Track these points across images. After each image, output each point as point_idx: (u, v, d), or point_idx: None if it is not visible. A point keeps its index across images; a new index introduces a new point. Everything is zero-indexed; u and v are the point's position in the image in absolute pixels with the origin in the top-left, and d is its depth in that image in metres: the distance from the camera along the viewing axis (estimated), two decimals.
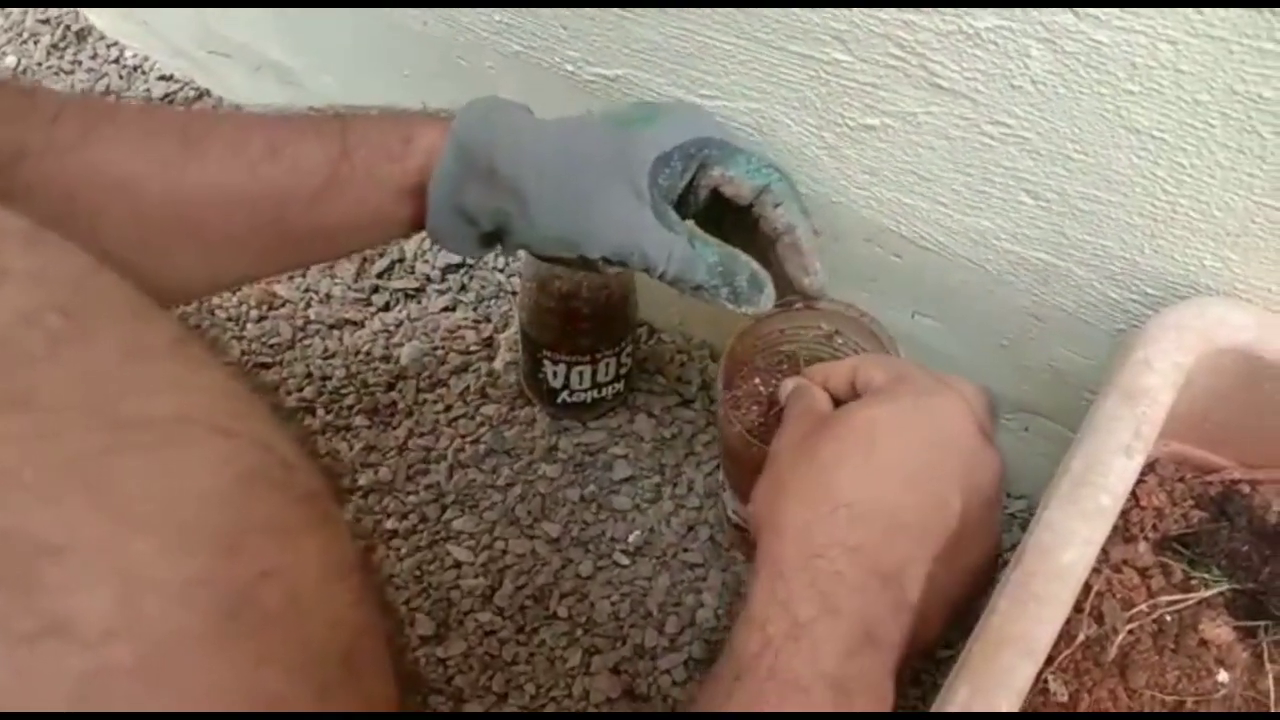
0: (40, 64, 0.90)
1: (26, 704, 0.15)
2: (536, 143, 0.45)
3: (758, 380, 0.54)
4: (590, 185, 0.44)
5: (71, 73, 0.89)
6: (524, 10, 0.57)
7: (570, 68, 0.57)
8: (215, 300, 0.76)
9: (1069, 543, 0.40)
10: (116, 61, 0.89)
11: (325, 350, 0.75)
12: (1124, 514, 0.48)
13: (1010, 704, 0.38)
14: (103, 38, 0.91)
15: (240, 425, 0.20)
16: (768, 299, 0.47)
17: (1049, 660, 0.45)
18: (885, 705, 0.39)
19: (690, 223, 0.47)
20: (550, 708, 0.63)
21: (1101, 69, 0.39)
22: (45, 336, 0.18)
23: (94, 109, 0.45)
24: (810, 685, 0.37)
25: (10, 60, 0.90)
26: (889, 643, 0.39)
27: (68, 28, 0.91)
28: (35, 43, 0.91)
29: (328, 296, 0.77)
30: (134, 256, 0.41)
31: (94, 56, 0.90)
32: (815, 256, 0.48)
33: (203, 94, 0.87)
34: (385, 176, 0.46)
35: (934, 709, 0.39)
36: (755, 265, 0.46)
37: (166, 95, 0.87)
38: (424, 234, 0.48)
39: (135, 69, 0.89)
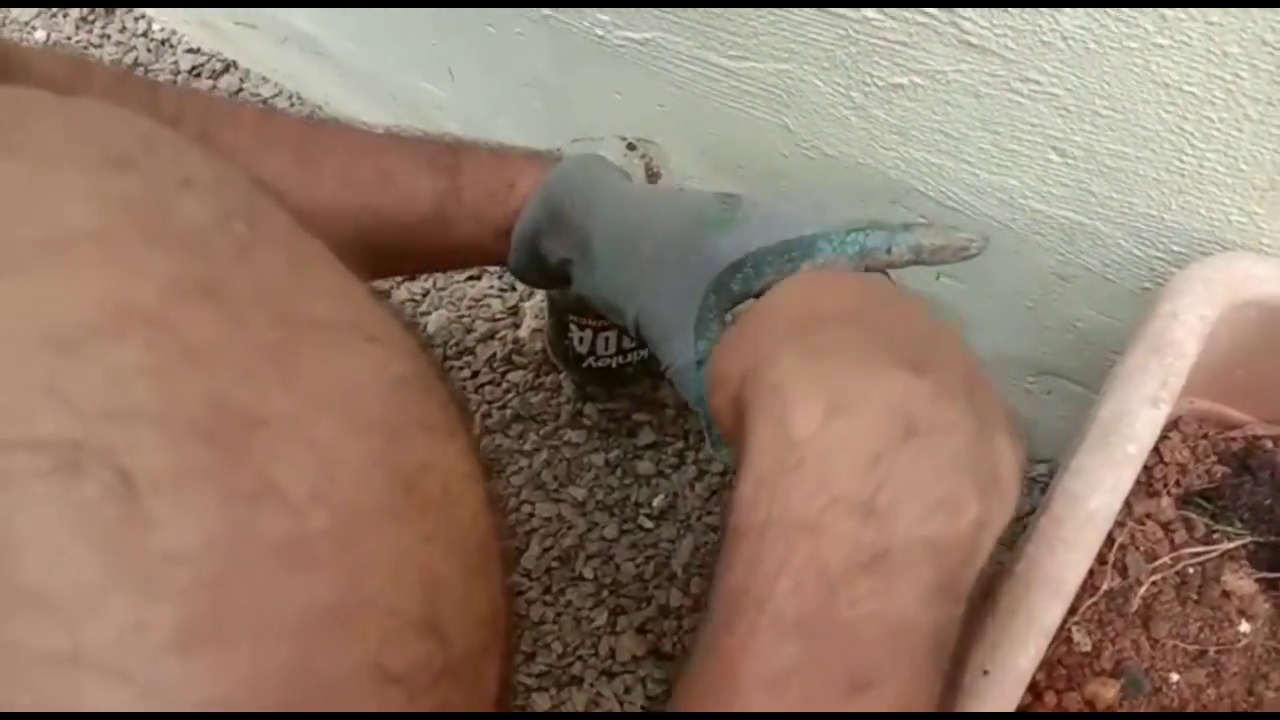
0: (69, 38, 0.91)
1: (239, 556, 0.16)
2: (613, 211, 0.46)
3: None
4: (646, 265, 0.45)
5: (100, 46, 0.90)
6: None
7: (600, 32, 0.58)
8: None
9: (1096, 489, 0.40)
10: (145, 35, 0.90)
11: None
12: (1148, 469, 0.49)
13: (1038, 646, 0.39)
14: (130, 11, 0.92)
15: (390, 335, 0.22)
16: (724, 459, 0.45)
17: (1073, 610, 0.46)
18: (951, 508, 0.29)
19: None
20: (577, 666, 0.64)
21: (1131, 22, 0.39)
22: (234, 241, 0.20)
23: (215, 111, 0.46)
24: (819, 517, 0.28)
25: (40, 35, 0.91)
26: (943, 430, 0.30)
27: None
28: (64, 16, 0.92)
29: None
30: None
31: (122, 30, 0.91)
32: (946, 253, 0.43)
33: (229, 65, 0.88)
34: (488, 217, 0.49)
35: (960, 652, 0.40)
36: None
37: (194, 68, 0.88)
38: None
39: (163, 42, 0.90)
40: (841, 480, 0.29)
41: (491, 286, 0.77)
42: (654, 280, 0.44)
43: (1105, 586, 0.46)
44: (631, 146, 0.62)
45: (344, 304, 0.21)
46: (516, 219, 0.48)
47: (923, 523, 0.29)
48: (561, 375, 0.73)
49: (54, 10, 0.92)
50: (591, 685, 0.63)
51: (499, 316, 0.76)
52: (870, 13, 0.46)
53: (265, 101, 0.87)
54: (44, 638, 0.15)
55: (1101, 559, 0.46)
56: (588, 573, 0.67)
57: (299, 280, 0.21)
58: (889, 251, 0.43)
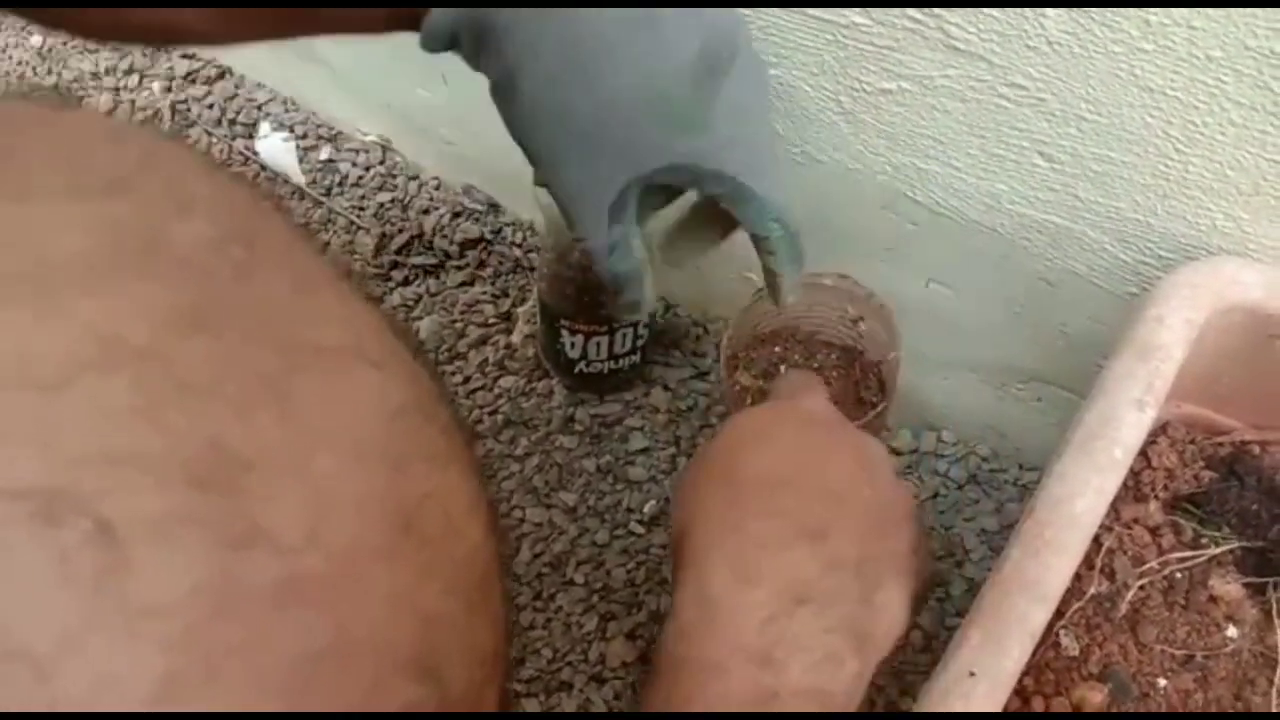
0: (65, 43, 0.91)
1: (232, 603, 0.16)
2: (559, 48, 0.39)
3: (777, 349, 0.55)
4: (582, 132, 0.39)
5: (96, 51, 0.90)
6: None
7: None
8: None
9: (1081, 493, 0.40)
10: None
11: None
12: (1135, 474, 0.49)
13: (1022, 648, 0.39)
14: None
15: (392, 359, 0.21)
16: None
17: (1060, 614, 0.46)
18: (833, 663, 0.36)
19: (650, 234, 0.43)
20: (566, 672, 0.64)
21: (1116, 27, 0.40)
22: (231, 265, 0.19)
23: None
24: (725, 662, 0.35)
25: (36, 40, 0.92)
26: (828, 599, 0.37)
27: None
28: None
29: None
30: None
31: None
32: (789, 294, 0.46)
33: (225, 71, 0.88)
34: None
35: (946, 655, 0.39)
36: (646, 293, 0.44)
37: (189, 73, 0.88)
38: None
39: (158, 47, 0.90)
40: (744, 634, 0.36)
41: (484, 293, 0.77)
42: (587, 149, 0.39)
43: (1092, 591, 0.46)
44: None
45: (347, 328, 0.20)
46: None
47: (809, 674, 0.35)
48: (553, 380, 0.73)
49: None
50: (581, 691, 0.63)
51: (491, 322, 0.76)
52: (858, 17, 0.46)
53: (260, 107, 0.87)
54: (18, 690, 0.14)
55: (1089, 563, 0.46)
56: (578, 578, 0.66)
57: (300, 304, 0.20)
58: (770, 255, 0.43)
